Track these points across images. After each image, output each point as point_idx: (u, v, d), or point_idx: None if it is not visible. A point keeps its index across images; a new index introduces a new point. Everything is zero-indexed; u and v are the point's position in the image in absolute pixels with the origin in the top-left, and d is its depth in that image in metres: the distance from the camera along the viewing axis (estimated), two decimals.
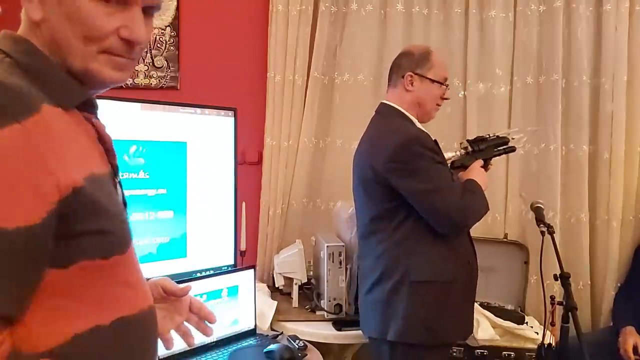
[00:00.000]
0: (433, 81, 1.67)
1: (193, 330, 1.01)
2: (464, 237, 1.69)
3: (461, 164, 1.77)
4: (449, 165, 1.76)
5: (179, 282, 0.96)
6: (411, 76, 1.69)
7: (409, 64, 1.71)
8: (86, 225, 0.67)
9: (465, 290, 1.66)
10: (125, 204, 0.82)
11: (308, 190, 2.57)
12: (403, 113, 1.71)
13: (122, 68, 0.73)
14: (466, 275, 1.66)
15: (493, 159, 1.82)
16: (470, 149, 1.77)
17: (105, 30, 0.69)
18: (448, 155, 1.75)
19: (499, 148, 1.81)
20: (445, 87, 1.72)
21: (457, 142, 1.92)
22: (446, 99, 1.75)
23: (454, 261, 1.64)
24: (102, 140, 0.78)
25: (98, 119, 0.79)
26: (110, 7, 0.69)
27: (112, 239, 0.71)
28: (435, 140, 1.67)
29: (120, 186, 0.82)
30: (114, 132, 1.86)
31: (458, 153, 1.78)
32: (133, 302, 0.76)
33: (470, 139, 1.82)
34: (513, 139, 1.85)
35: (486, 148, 1.79)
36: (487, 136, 1.81)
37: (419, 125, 1.72)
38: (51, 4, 0.68)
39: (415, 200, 1.58)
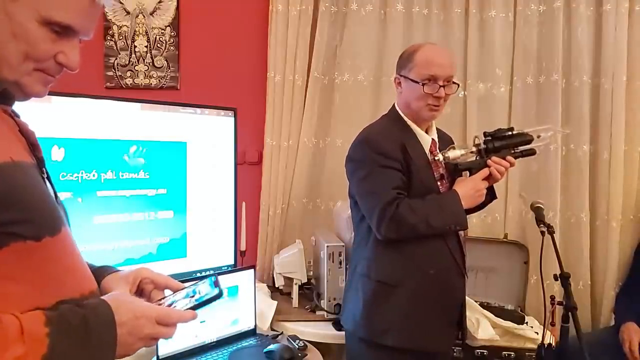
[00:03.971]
0: (414, 81, 1.62)
1: (194, 330, 1.02)
2: (434, 246, 1.61)
3: (467, 167, 1.65)
4: (454, 167, 1.65)
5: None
6: (398, 78, 1.70)
7: (397, 66, 1.71)
8: (12, 206, 0.70)
9: (417, 298, 1.59)
10: (55, 197, 0.85)
11: (308, 190, 2.57)
12: (398, 114, 1.70)
13: (48, 84, 0.79)
14: (421, 283, 1.60)
15: (517, 159, 1.66)
16: (482, 146, 1.63)
17: (48, 55, 0.75)
18: (456, 153, 1.60)
19: (518, 149, 1.66)
20: (422, 85, 1.59)
21: (457, 140, 1.82)
22: (438, 97, 1.60)
23: (402, 265, 1.60)
24: (25, 134, 0.82)
25: (19, 117, 0.83)
26: (56, 34, 0.75)
27: (40, 220, 0.73)
28: (404, 145, 1.61)
29: (49, 180, 0.85)
30: (114, 132, 1.87)
31: (464, 151, 1.63)
32: (74, 286, 0.78)
33: (489, 132, 1.66)
34: (539, 137, 1.68)
35: (503, 147, 1.64)
36: (510, 132, 1.65)
37: (414, 127, 1.67)
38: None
39: (357, 199, 1.67)
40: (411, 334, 1.59)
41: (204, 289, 0.87)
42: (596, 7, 2.40)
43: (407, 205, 1.55)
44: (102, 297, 0.79)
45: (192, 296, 0.85)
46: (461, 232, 1.68)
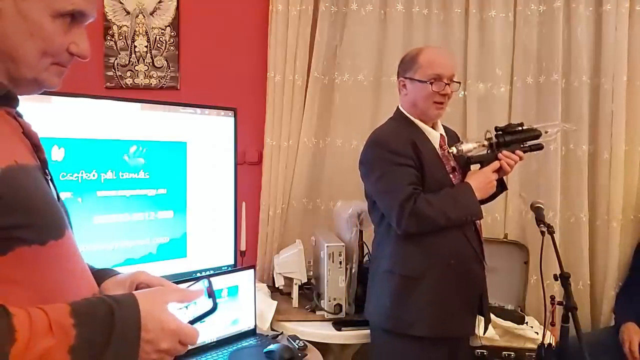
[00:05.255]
0: (420, 81, 1.68)
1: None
2: (452, 236, 1.66)
3: (478, 161, 1.72)
4: (466, 160, 1.72)
5: (178, 282, 0.96)
6: (402, 81, 1.76)
7: (400, 70, 1.78)
8: (17, 210, 0.69)
9: (441, 288, 1.65)
10: (58, 198, 0.85)
11: (308, 190, 2.57)
12: (404, 115, 1.76)
13: (62, 75, 0.80)
14: (443, 274, 1.65)
15: (526, 153, 1.71)
16: (494, 140, 1.69)
17: (63, 47, 0.76)
18: (468, 146, 1.67)
19: (526, 143, 1.72)
20: (430, 84, 1.66)
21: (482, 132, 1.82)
22: (444, 95, 1.68)
23: (424, 258, 1.66)
24: (28, 136, 0.81)
25: (22, 117, 0.83)
26: (67, 24, 0.75)
27: (44, 224, 0.73)
28: (414, 142, 1.66)
29: (52, 182, 0.84)
30: (114, 132, 1.87)
31: (476, 144, 1.69)
32: (76, 289, 0.78)
33: (500, 126, 1.72)
34: (547, 132, 1.74)
35: (513, 141, 1.70)
36: (520, 128, 1.71)
37: (421, 125, 1.73)
38: (14, 20, 0.71)
39: (374, 199, 1.73)
40: (437, 323, 1.65)
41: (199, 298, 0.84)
42: (596, 7, 2.40)
43: (424, 199, 1.61)
44: (137, 295, 0.77)
45: (188, 307, 0.83)
46: (477, 222, 1.74)
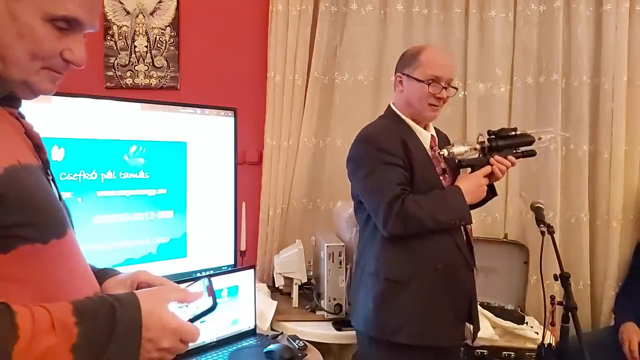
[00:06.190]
0: (418, 80, 1.64)
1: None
2: (440, 241, 1.62)
3: (469, 165, 1.69)
4: (457, 164, 1.69)
5: (179, 282, 0.96)
6: (400, 77, 1.71)
7: (400, 65, 1.73)
8: (20, 209, 0.70)
9: (427, 294, 1.60)
10: (59, 198, 0.85)
11: (308, 190, 2.57)
12: (396, 113, 1.72)
13: (56, 81, 0.79)
14: (430, 279, 1.60)
15: (518, 159, 1.69)
16: (486, 144, 1.66)
17: (54, 52, 0.75)
18: (460, 149, 1.63)
19: (519, 149, 1.69)
20: (427, 85, 1.62)
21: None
22: (439, 98, 1.64)
23: (410, 262, 1.60)
24: (30, 136, 0.82)
25: (24, 118, 0.83)
26: (60, 31, 0.74)
27: (46, 223, 0.74)
28: (404, 141, 1.62)
29: (54, 182, 0.85)
30: (114, 132, 1.86)
31: (468, 147, 1.65)
32: (78, 288, 0.78)
33: (493, 130, 1.69)
34: (540, 139, 1.72)
35: (506, 146, 1.67)
36: (513, 132, 1.68)
37: (412, 124, 1.69)
38: (4, 19, 0.71)
39: (361, 197, 1.67)
40: (424, 330, 1.60)
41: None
42: (596, 7, 2.41)
43: (412, 200, 1.56)
44: (138, 295, 0.77)
45: (188, 306, 0.83)
46: (468, 226, 1.70)
